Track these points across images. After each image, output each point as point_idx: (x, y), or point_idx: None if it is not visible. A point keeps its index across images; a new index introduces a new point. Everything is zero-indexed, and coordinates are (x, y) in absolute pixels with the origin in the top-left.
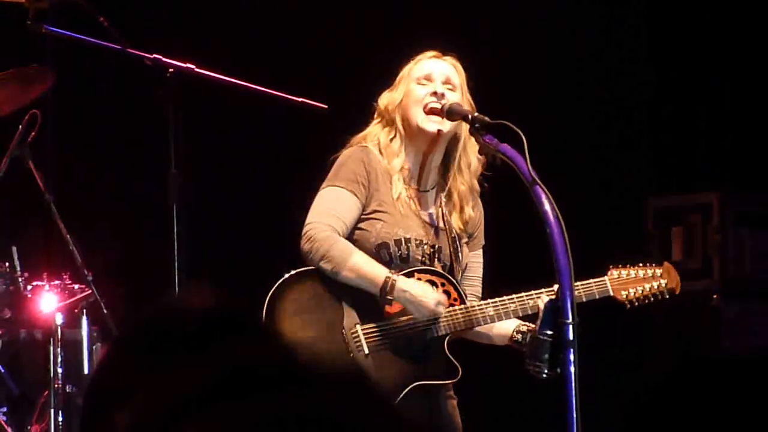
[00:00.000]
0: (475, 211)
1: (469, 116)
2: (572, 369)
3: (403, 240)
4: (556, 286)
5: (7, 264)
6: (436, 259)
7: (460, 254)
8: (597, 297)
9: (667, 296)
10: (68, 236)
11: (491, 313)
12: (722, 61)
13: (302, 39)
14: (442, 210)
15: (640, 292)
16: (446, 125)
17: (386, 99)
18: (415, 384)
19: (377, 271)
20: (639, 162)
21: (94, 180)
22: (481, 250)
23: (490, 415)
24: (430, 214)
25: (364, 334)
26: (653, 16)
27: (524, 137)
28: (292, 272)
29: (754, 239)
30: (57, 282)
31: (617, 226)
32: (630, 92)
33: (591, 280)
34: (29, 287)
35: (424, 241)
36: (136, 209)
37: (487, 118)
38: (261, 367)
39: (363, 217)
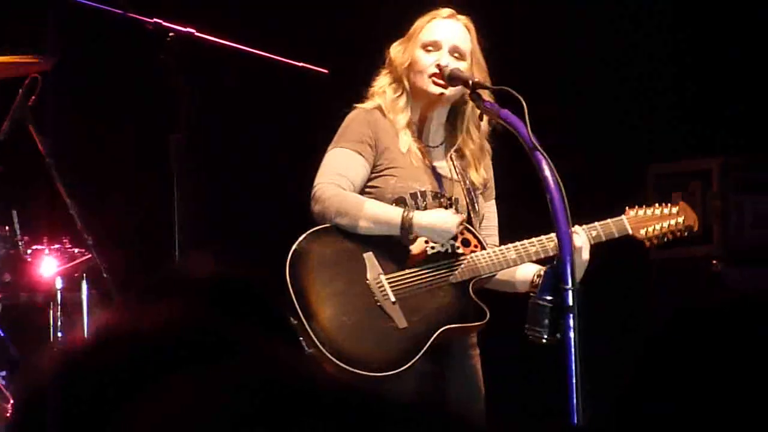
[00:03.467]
0: (484, 159)
1: (470, 82)
2: (572, 335)
3: (418, 193)
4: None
5: (7, 228)
6: (454, 210)
7: (476, 204)
8: (616, 236)
9: (686, 233)
10: (69, 200)
11: (513, 256)
12: (722, 27)
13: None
14: (453, 163)
15: (659, 229)
16: (449, 90)
17: (396, 53)
18: (445, 327)
19: (393, 212)
20: (640, 128)
21: (95, 144)
22: (494, 201)
23: (491, 381)
24: (443, 168)
25: (389, 282)
26: None
27: (525, 103)
28: (310, 231)
29: (755, 205)
30: (57, 246)
31: (618, 193)
32: (631, 59)
33: (608, 220)
34: (29, 251)
35: (440, 193)
36: (138, 173)
37: (488, 84)
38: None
39: (375, 174)
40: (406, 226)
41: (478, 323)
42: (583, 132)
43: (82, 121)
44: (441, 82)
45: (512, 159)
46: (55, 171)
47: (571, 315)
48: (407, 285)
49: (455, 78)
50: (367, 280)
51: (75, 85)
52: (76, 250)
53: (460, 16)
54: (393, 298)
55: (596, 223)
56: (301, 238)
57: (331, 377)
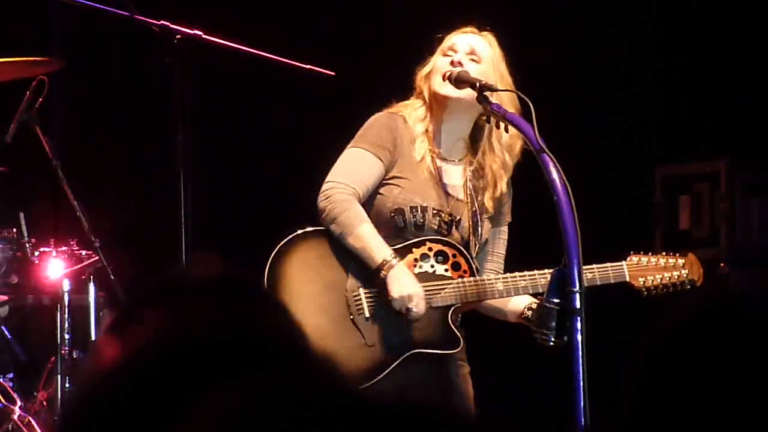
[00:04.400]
0: (507, 189)
1: (477, 84)
2: (579, 337)
3: (419, 208)
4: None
5: (14, 230)
6: (454, 229)
7: (479, 228)
8: (612, 281)
9: (688, 287)
10: (75, 202)
11: (500, 287)
12: (731, 27)
13: (313, 5)
14: (468, 184)
15: (659, 280)
16: (457, 92)
17: (420, 73)
18: (413, 351)
19: (380, 249)
20: (647, 130)
21: (101, 146)
22: (506, 227)
23: (497, 384)
24: (454, 186)
25: (366, 298)
26: None
27: (532, 106)
28: (302, 230)
29: (762, 207)
30: (64, 248)
31: (625, 195)
32: (638, 60)
33: (608, 264)
34: (36, 253)
35: (443, 211)
36: (144, 175)
37: (494, 86)
38: (261, 339)
39: (383, 182)
40: (384, 269)
41: (448, 352)
42: (591, 133)
43: (89, 123)
44: (449, 83)
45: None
46: (62, 173)
47: (579, 318)
48: (382, 303)
49: (462, 80)
50: (345, 290)
51: (82, 88)
52: (83, 252)
53: (482, 33)
54: (368, 314)
55: (594, 266)
56: (287, 238)
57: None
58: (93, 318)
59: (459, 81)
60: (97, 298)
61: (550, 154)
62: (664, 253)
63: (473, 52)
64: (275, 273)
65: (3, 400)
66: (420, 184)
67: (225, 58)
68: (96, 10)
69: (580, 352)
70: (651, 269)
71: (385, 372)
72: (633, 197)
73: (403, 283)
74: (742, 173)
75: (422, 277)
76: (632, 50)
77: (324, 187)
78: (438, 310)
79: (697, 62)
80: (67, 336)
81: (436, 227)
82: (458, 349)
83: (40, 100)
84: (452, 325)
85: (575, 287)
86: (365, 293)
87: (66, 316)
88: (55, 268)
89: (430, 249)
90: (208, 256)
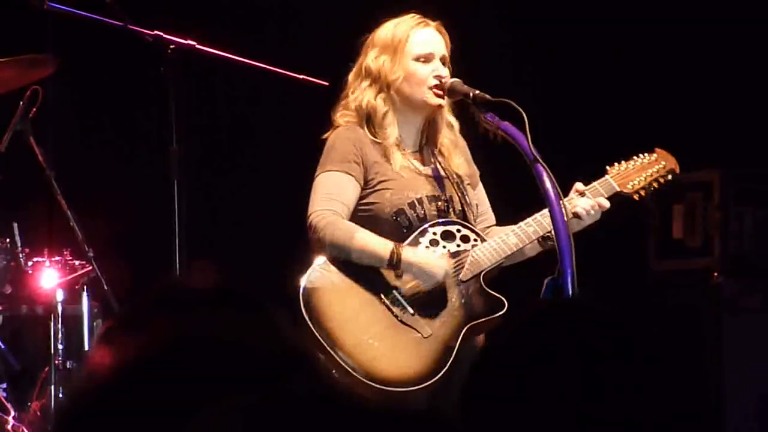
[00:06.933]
0: (463, 153)
1: (471, 94)
2: None
3: (415, 201)
4: (572, 193)
5: (7, 240)
6: (451, 210)
7: (467, 197)
8: (606, 196)
9: (670, 177)
10: (69, 212)
11: (514, 240)
12: (724, 38)
13: (305, 13)
14: (438, 162)
15: (645, 179)
16: (446, 101)
17: (381, 65)
18: (468, 325)
19: (381, 246)
20: (640, 140)
21: (95, 156)
22: (480, 185)
23: None
24: (429, 170)
25: (403, 296)
26: None
27: (525, 115)
28: (316, 264)
29: (755, 217)
30: (58, 258)
31: (618, 204)
32: (632, 68)
33: (594, 183)
34: (30, 263)
35: (435, 196)
36: (137, 185)
37: (488, 97)
38: (259, 349)
39: (369, 190)
40: (394, 262)
41: (499, 314)
42: (585, 142)
43: (83, 132)
44: (441, 92)
45: (487, 146)
46: (56, 183)
47: None
48: (420, 294)
49: (455, 91)
50: (382, 298)
51: (75, 98)
52: (77, 263)
53: (431, 22)
54: (411, 310)
55: (584, 187)
56: (308, 273)
57: (366, 400)
58: (87, 328)
59: (452, 91)
60: (91, 308)
61: (544, 165)
62: (635, 156)
63: (444, 58)
64: (312, 312)
65: None
66: (406, 179)
67: (219, 68)
68: (90, 21)
69: None
70: (632, 172)
71: (453, 354)
72: (626, 206)
73: (420, 263)
74: (735, 183)
75: None
76: (626, 59)
77: (308, 221)
78: (469, 282)
79: (690, 72)
80: (60, 346)
81: (436, 213)
82: (505, 310)
83: (34, 109)
84: (489, 290)
85: (569, 297)
86: (398, 293)
87: (60, 326)
88: (48, 278)
89: (434, 234)
90: (203, 265)
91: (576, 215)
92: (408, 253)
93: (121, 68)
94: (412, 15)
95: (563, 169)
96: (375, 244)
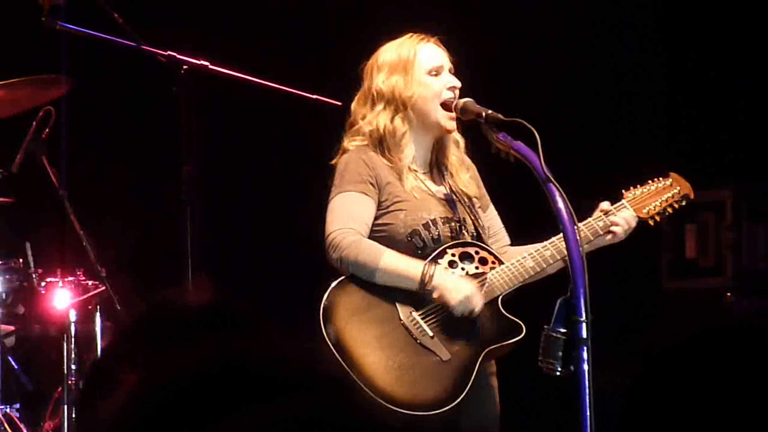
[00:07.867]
0: (470, 171)
1: (483, 114)
2: (585, 367)
3: (429, 222)
4: (597, 212)
5: (20, 260)
6: (464, 231)
7: (479, 218)
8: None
9: (684, 203)
10: (82, 232)
11: (531, 264)
12: (736, 55)
13: (318, 34)
14: (449, 184)
15: (659, 205)
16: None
17: (393, 85)
18: (487, 349)
19: (412, 266)
20: (652, 159)
21: (107, 176)
22: (491, 206)
23: (504, 412)
24: (440, 191)
25: (422, 318)
26: (666, 8)
27: (537, 134)
28: (334, 284)
29: None
30: (71, 278)
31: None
32: (643, 88)
33: (611, 207)
34: (43, 283)
35: (448, 218)
36: (150, 206)
37: (500, 116)
38: (251, 365)
39: (382, 211)
40: (426, 281)
41: (517, 338)
42: (596, 162)
43: (96, 153)
44: (454, 114)
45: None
46: (68, 203)
47: (585, 347)
48: (439, 317)
49: (468, 111)
50: (401, 319)
51: (89, 118)
52: (90, 283)
53: (430, 38)
54: (431, 333)
55: (610, 206)
56: (327, 293)
57: (385, 423)
58: (100, 348)
59: (465, 112)
60: (104, 328)
61: (557, 184)
62: (650, 181)
63: (451, 69)
64: (330, 333)
65: (10, 431)
66: (419, 200)
67: (232, 89)
68: (103, 41)
69: (587, 382)
70: (648, 197)
71: (472, 377)
72: (638, 226)
73: (454, 287)
74: (747, 202)
75: None
76: (636, 78)
77: (327, 241)
78: (488, 305)
79: (702, 90)
80: (73, 366)
81: (450, 234)
82: (522, 334)
83: (47, 130)
84: (507, 314)
85: (581, 316)
86: (419, 315)
87: (72, 346)
88: (61, 299)
89: (453, 255)
90: (199, 282)
91: (613, 226)
92: (440, 274)
93: (134, 88)
94: (410, 35)
95: (575, 189)
96: (405, 266)
